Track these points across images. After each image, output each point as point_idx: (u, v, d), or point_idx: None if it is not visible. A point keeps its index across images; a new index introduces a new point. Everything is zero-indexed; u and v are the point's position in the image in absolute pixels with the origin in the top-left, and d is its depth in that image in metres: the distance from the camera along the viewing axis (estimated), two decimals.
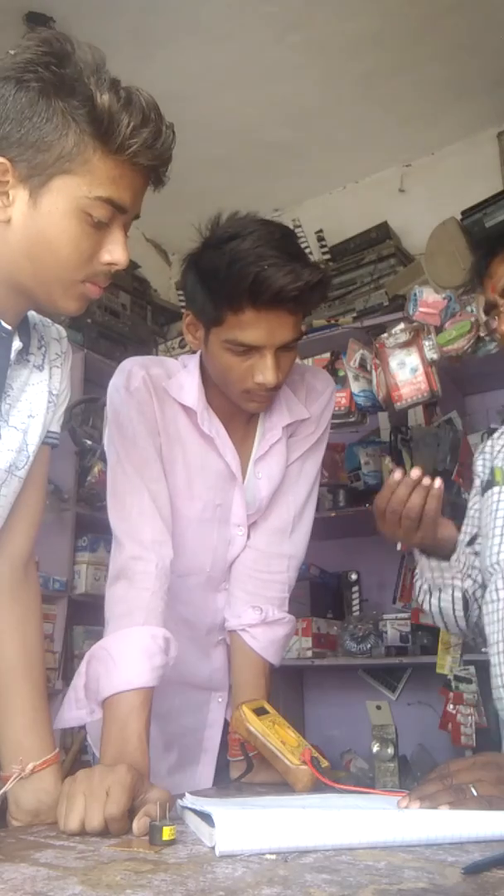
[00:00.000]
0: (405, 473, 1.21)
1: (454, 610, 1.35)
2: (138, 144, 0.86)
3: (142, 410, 1.28)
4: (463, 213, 2.84)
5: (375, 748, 2.71)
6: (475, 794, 0.82)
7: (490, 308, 1.38)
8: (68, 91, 0.84)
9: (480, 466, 1.43)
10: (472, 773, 0.86)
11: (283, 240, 1.19)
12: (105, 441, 1.33)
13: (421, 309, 2.51)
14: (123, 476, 1.26)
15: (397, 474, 1.22)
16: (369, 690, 2.98)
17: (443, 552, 1.31)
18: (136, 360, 1.34)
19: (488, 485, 1.35)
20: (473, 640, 1.41)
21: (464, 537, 1.40)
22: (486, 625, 1.25)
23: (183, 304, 1.75)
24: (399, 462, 2.76)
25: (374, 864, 0.65)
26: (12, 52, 0.85)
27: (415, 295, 2.55)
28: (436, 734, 2.65)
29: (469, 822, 0.76)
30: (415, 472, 1.21)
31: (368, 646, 2.78)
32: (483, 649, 1.41)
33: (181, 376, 1.33)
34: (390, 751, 2.69)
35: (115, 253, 0.90)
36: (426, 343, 2.53)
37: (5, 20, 2.60)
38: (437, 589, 1.35)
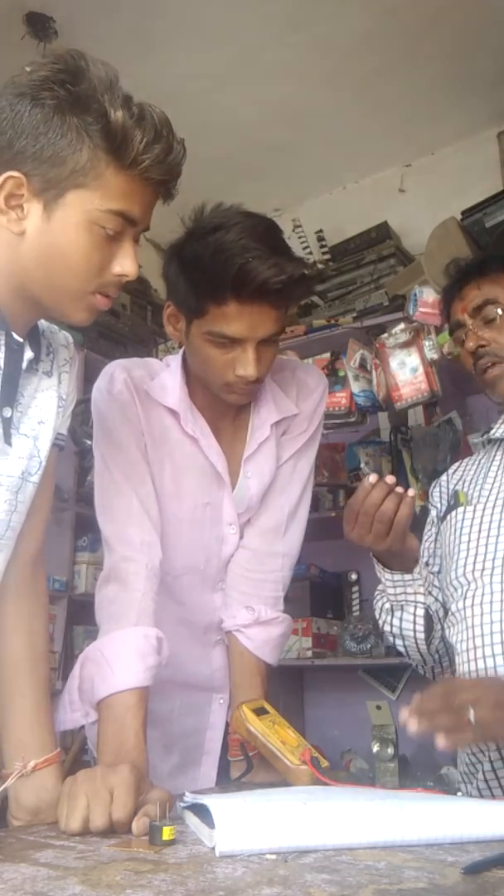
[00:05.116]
0: (380, 478, 1.22)
1: (415, 630, 1.32)
2: (150, 160, 0.88)
3: (125, 414, 1.28)
4: (463, 213, 2.84)
5: (375, 748, 2.70)
6: (472, 719, 0.82)
7: (456, 328, 1.41)
8: (83, 108, 0.86)
9: (437, 497, 1.45)
10: (473, 690, 0.86)
11: (268, 233, 1.19)
12: (92, 445, 1.33)
13: (421, 309, 2.51)
14: (110, 480, 1.26)
15: (372, 477, 1.22)
16: (369, 690, 2.98)
17: (406, 564, 1.30)
18: (118, 363, 1.34)
19: (450, 508, 1.37)
20: (432, 669, 1.38)
21: (421, 559, 1.41)
22: (452, 636, 1.25)
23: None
24: (399, 462, 2.76)
25: (374, 864, 0.65)
26: (28, 69, 0.88)
27: (415, 295, 2.55)
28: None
29: (469, 821, 0.76)
30: (389, 478, 1.22)
31: (368, 646, 2.78)
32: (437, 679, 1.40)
33: (164, 377, 1.33)
34: (390, 751, 2.68)
35: (125, 265, 0.92)
36: (426, 343, 2.53)
37: (5, 20, 2.60)
38: (400, 607, 1.33)
